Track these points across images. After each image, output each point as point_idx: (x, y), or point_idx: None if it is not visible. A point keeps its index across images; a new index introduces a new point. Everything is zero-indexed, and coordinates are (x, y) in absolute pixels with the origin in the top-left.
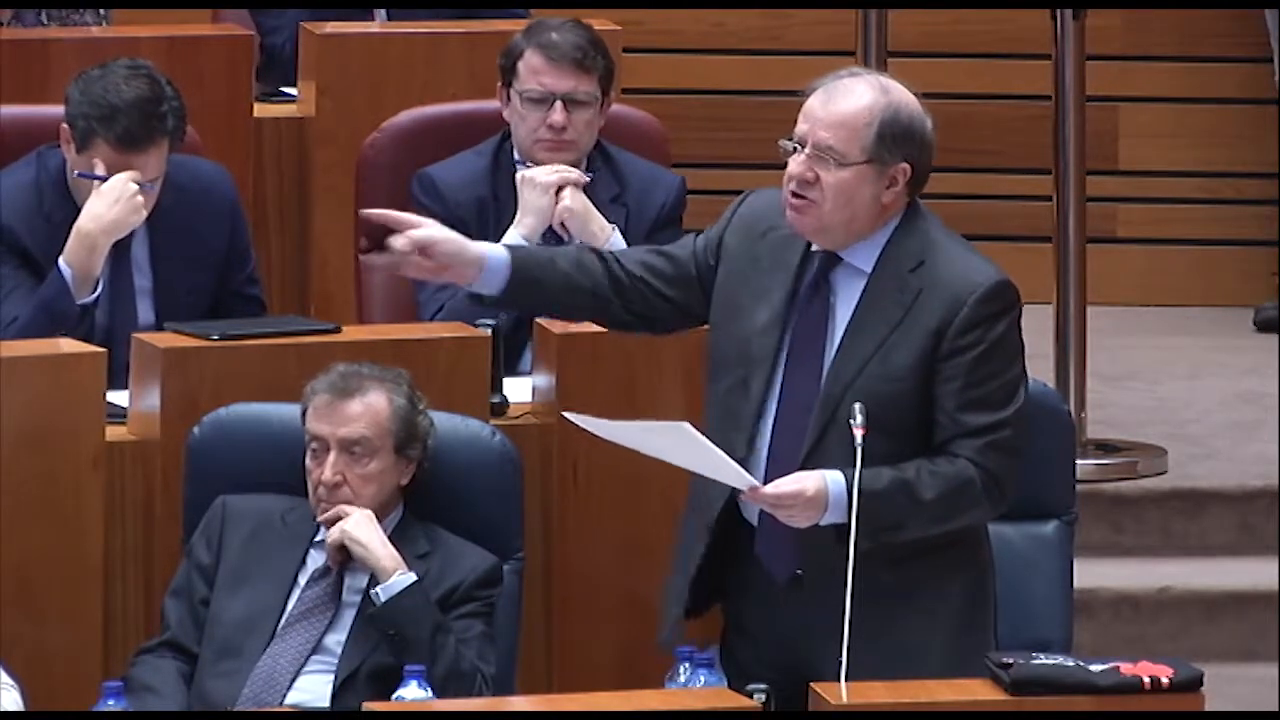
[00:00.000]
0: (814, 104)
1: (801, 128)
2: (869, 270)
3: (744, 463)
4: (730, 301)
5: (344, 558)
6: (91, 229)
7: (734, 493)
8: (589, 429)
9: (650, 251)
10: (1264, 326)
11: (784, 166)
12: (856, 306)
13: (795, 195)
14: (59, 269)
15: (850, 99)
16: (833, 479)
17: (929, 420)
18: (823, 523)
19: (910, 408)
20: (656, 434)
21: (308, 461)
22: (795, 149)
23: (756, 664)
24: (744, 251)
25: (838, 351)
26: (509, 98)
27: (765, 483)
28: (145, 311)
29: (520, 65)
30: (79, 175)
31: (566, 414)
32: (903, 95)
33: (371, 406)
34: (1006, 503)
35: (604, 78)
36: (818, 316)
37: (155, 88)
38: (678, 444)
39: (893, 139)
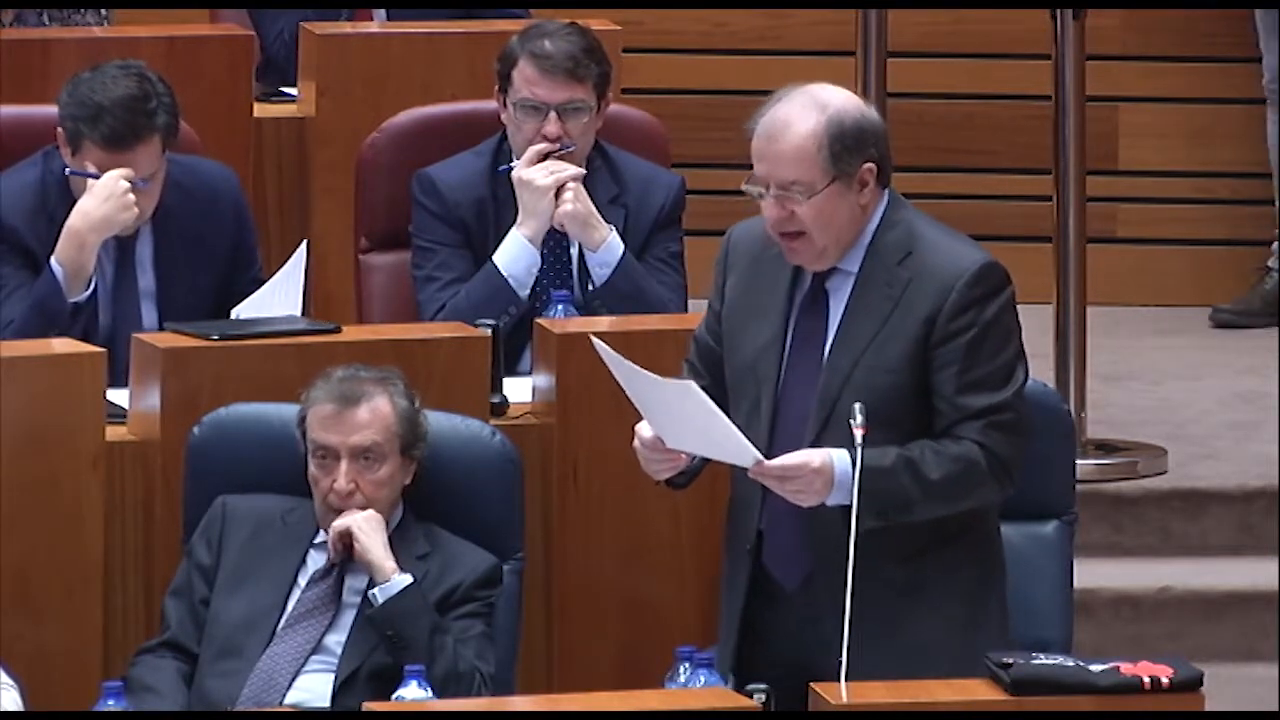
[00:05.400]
0: (761, 146)
1: (759, 170)
2: (856, 270)
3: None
4: (734, 331)
5: (345, 545)
6: (80, 227)
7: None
8: (607, 361)
9: (702, 361)
10: (1222, 324)
11: None
12: (847, 304)
13: (783, 235)
14: (50, 267)
15: (792, 131)
16: (838, 455)
17: (927, 411)
18: (829, 502)
19: (907, 399)
20: (665, 391)
21: (314, 470)
22: (761, 194)
23: (763, 663)
24: (741, 281)
25: (832, 350)
26: (505, 104)
27: (769, 491)
28: (148, 312)
29: (515, 74)
30: (70, 172)
31: (595, 339)
32: (839, 100)
33: (379, 412)
34: (1015, 484)
35: (599, 84)
36: (814, 323)
37: (143, 85)
38: (683, 409)
39: (845, 150)
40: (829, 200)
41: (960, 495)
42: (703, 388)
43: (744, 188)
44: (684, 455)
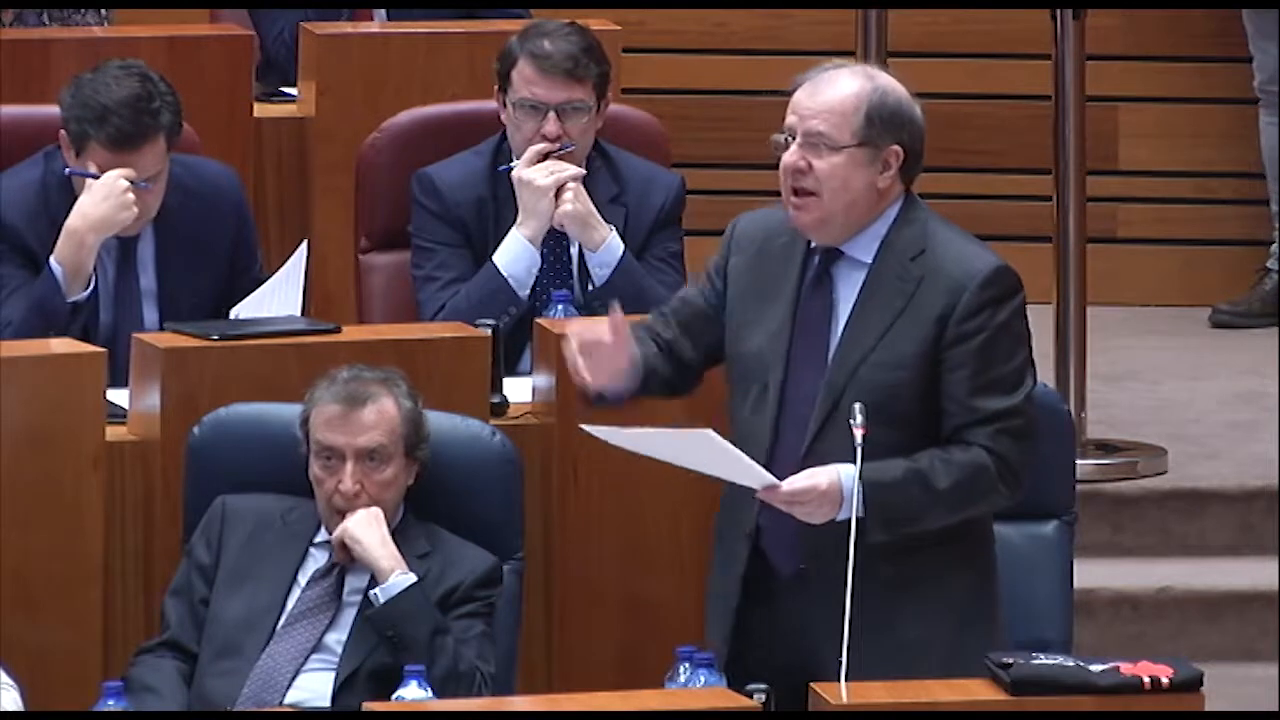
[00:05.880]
0: (801, 96)
1: (791, 120)
2: (870, 261)
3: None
4: (741, 320)
5: (349, 554)
6: (79, 226)
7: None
8: (609, 440)
9: (677, 313)
10: (1219, 324)
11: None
12: (858, 297)
13: (794, 191)
14: (49, 267)
15: (836, 87)
16: (845, 473)
17: (933, 410)
18: (839, 518)
19: (914, 397)
20: (679, 441)
21: (318, 472)
22: (787, 141)
23: (758, 663)
24: (747, 268)
25: (840, 342)
26: (505, 103)
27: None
28: (149, 312)
29: (514, 74)
30: (70, 172)
31: (584, 425)
32: (889, 81)
33: (385, 413)
34: (1022, 489)
35: (598, 84)
36: (820, 311)
37: (146, 85)
38: (699, 450)
39: (882, 122)
40: (849, 163)
41: (969, 503)
42: (666, 341)
43: (771, 139)
44: (628, 360)
